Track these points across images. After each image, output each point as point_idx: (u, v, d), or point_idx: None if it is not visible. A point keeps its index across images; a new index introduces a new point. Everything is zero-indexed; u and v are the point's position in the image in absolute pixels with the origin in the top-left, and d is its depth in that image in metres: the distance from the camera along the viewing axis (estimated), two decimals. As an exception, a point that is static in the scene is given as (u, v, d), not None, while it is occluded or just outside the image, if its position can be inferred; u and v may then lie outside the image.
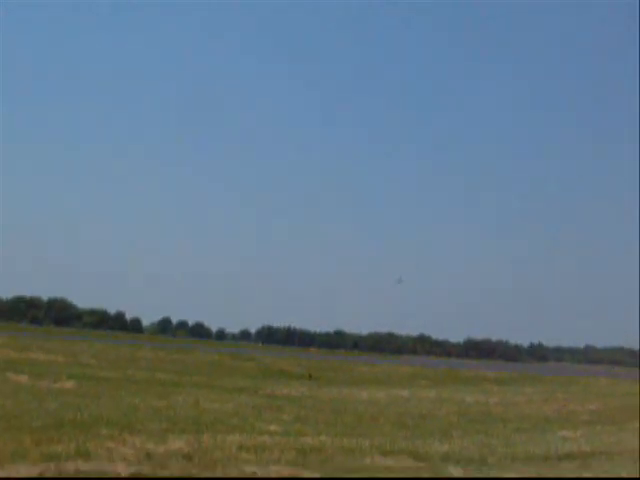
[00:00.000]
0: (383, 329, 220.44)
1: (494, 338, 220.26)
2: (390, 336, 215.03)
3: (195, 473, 10.36)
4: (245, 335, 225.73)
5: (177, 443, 12.21)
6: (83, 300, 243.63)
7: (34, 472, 9.57)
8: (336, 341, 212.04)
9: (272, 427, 15.57)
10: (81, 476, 9.63)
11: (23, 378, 22.28)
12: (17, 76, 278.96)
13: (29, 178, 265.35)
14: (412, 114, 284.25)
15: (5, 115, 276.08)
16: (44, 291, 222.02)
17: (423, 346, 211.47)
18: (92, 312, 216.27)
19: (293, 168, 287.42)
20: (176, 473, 10.28)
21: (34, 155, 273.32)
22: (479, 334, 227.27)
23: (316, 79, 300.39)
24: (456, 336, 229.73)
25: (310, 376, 40.67)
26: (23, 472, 9.52)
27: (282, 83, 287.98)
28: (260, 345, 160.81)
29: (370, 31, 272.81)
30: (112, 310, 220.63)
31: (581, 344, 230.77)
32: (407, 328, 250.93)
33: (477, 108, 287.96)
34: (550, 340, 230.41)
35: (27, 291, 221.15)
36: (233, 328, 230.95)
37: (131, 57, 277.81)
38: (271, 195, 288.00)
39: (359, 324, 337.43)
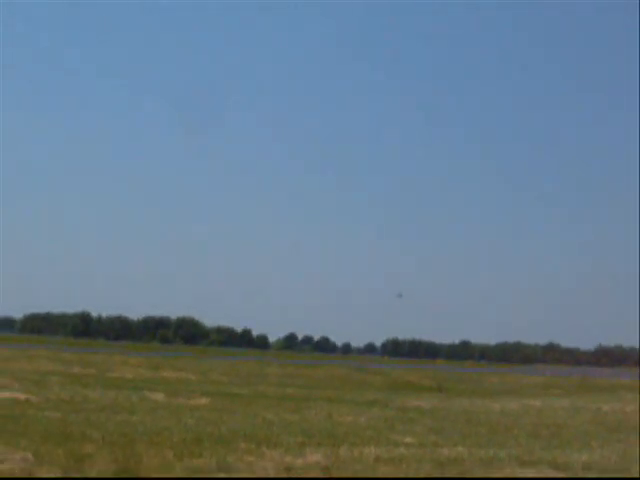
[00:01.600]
0: (510, 338, 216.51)
1: (626, 344, 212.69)
2: (518, 345, 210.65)
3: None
4: (370, 348, 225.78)
5: (315, 456, 12.25)
6: (211, 318, 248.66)
7: (179, 486, 9.79)
8: (462, 352, 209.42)
9: (407, 439, 15.44)
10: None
11: (159, 396, 22.88)
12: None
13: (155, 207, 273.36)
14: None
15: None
16: (173, 311, 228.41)
17: (552, 355, 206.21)
18: (219, 330, 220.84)
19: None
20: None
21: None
22: (611, 341, 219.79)
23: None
24: (586, 343, 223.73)
25: (440, 388, 40.27)
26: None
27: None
28: (386, 358, 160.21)
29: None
30: (239, 328, 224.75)
31: None
32: (535, 337, 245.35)
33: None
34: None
35: (157, 311, 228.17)
36: (358, 342, 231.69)
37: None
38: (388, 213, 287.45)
39: (485, 334, 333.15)
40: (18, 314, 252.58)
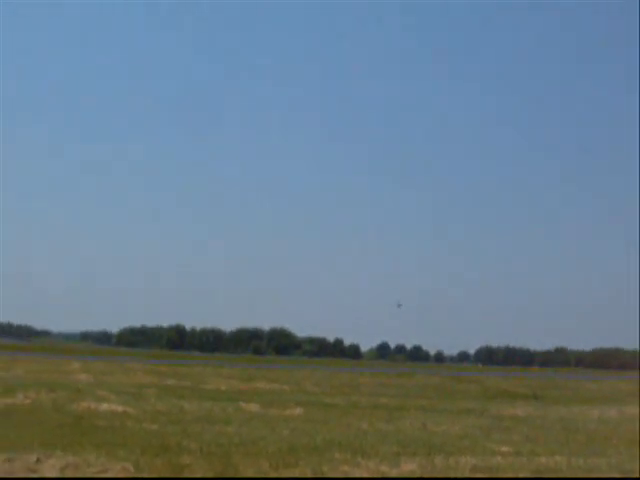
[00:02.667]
0: (607, 344, 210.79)
1: None
2: (616, 351, 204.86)
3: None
4: (464, 357, 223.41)
5: (410, 465, 12.17)
6: (302, 329, 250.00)
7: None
8: (557, 358, 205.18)
9: (503, 448, 15.18)
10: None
11: (254, 407, 23.08)
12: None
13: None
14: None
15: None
16: (265, 322, 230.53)
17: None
18: (311, 340, 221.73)
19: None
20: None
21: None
22: None
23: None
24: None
25: (535, 395, 39.50)
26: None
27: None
28: (480, 366, 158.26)
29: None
30: (331, 338, 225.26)
31: None
32: (633, 342, 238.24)
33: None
34: None
35: (249, 323, 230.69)
36: (451, 350, 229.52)
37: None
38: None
39: (581, 340, 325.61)
40: (114, 328, 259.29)
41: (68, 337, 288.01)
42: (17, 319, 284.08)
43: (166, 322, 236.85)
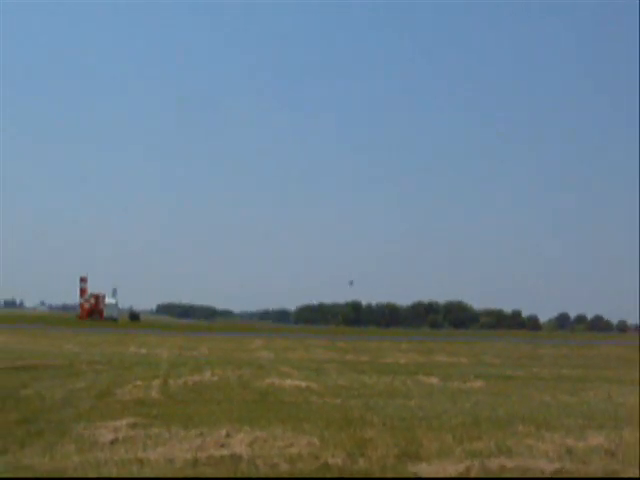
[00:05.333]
0: None
1: None
2: None
3: (618, 470, 9.95)
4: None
5: (597, 439, 11.80)
6: (479, 301, 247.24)
7: (460, 469, 9.83)
8: None
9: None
10: (506, 475, 9.71)
11: (434, 380, 23.06)
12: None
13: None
14: None
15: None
16: (441, 295, 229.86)
17: None
18: (488, 313, 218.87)
19: None
20: (599, 470, 9.96)
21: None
22: None
23: None
24: None
25: None
26: (450, 469, 9.83)
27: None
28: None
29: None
30: (508, 309, 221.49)
31: None
32: None
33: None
34: None
35: (425, 297, 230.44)
36: (635, 319, 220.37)
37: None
38: None
39: None
40: (292, 306, 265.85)
41: (248, 316, 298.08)
42: (200, 300, 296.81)
43: (342, 299, 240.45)
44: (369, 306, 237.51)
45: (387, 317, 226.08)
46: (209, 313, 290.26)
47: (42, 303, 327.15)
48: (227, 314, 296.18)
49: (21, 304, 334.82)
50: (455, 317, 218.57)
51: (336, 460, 10.09)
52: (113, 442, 11.00)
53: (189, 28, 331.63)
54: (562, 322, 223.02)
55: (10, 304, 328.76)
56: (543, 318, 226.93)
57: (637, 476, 9.58)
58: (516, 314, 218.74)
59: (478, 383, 22.25)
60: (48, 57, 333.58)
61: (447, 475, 9.61)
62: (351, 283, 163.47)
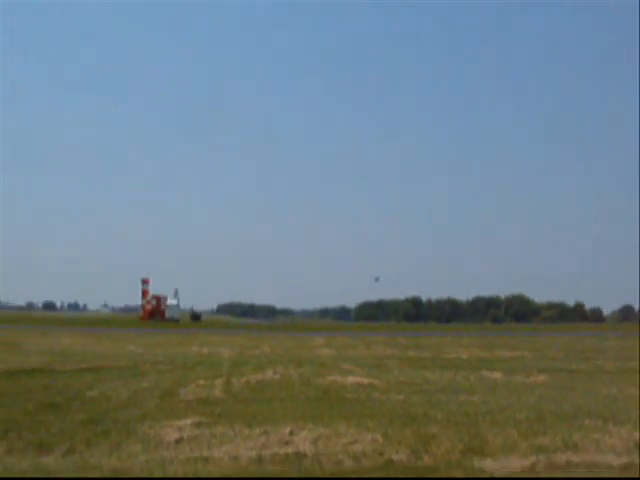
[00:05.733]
0: None
1: None
2: None
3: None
4: None
5: (666, 432, 11.60)
6: (540, 294, 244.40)
7: (526, 464, 9.73)
8: None
9: None
10: (572, 470, 9.58)
11: (497, 375, 22.86)
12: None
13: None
14: None
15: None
16: (502, 289, 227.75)
17: None
18: (550, 306, 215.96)
19: None
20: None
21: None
22: None
23: None
24: None
25: None
26: (515, 464, 9.74)
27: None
28: None
29: None
30: (571, 302, 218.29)
31: None
32: None
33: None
34: None
35: (486, 291, 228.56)
36: None
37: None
38: None
39: None
40: (351, 303, 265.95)
41: (308, 314, 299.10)
42: (260, 300, 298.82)
43: (402, 294, 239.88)
44: (429, 301, 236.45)
45: (448, 312, 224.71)
46: (269, 312, 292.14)
47: (105, 305, 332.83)
48: (287, 312, 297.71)
49: (84, 307, 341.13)
50: (516, 311, 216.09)
51: (400, 456, 10.08)
52: (178, 441, 11.15)
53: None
54: (626, 314, 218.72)
55: (74, 307, 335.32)
56: (607, 310, 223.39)
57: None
58: (579, 306, 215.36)
59: (542, 377, 21.99)
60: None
61: (513, 470, 9.52)
62: (377, 279, 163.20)
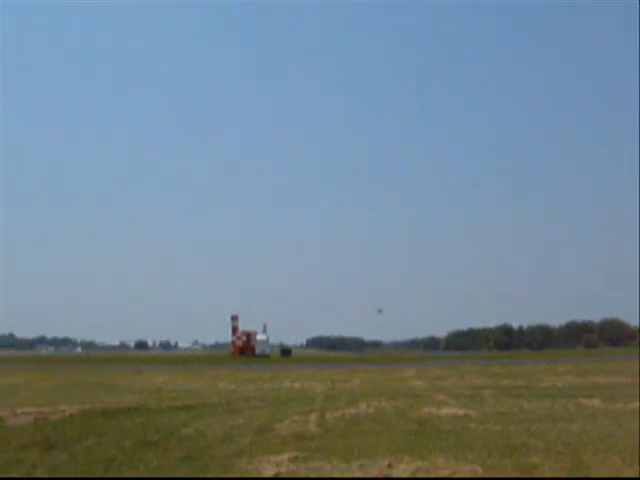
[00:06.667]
0: None
1: None
2: None
3: None
4: None
5: None
6: (636, 318, 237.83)
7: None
8: None
9: None
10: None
11: (595, 402, 22.31)
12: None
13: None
14: None
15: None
16: (595, 314, 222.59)
17: None
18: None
19: None
20: None
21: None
22: None
23: None
24: None
25: None
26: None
27: None
28: None
29: None
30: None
31: None
32: None
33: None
34: None
35: (579, 316, 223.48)
36: None
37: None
38: None
39: None
40: (441, 333, 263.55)
41: (397, 345, 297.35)
42: (348, 332, 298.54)
43: (492, 323, 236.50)
44: (520, 329, 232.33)
45: (540, 339, 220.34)
46: (358, 344, 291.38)
47: (195, 342, 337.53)
48: (376, 344, 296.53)
49: (175, 345, 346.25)
50: (611, 335, 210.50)
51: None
52: (276, 476, 11.20)
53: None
54: None
55: (165, 346, 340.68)
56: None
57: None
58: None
59: (643, 404, 21.32)
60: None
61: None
62: (380, 311, 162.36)
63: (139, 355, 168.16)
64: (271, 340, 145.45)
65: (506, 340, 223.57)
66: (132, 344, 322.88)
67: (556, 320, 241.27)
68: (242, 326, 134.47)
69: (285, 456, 12.81)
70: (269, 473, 11.42)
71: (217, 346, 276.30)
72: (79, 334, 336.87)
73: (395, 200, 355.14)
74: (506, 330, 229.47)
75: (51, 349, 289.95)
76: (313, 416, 19.81)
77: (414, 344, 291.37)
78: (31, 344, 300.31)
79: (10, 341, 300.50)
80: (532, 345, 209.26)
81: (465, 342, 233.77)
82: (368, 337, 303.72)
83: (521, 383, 34.69)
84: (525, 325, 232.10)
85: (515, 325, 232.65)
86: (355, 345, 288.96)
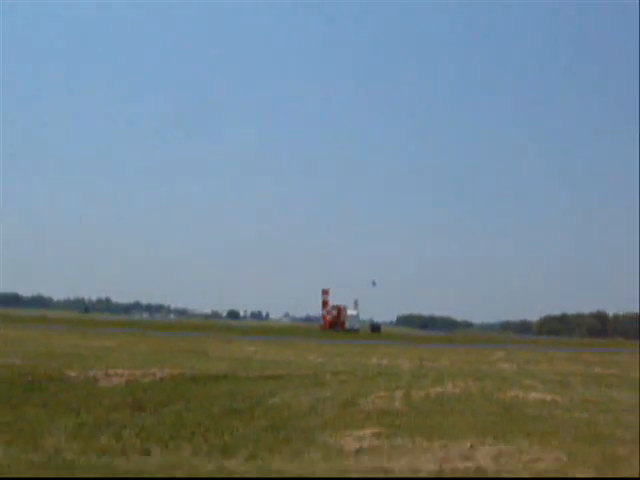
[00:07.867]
0: None
1: None
2: None
3: None
4: None
5: None
6: None
7: None
8: None
9: None
10: None
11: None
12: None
13: None
14: None
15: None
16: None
17: None
18: None
19: None
20: None
21: None
22: None
23: None
24: None
25: None
26: None
27: None
28: None
29: None
30: None
31: None
32: None
33: None
34: None
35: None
36: None
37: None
38: None
39: None
40: (533, 317, 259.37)
41: (488, 327, 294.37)
42: (440, 312, 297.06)
43: (587, 309, 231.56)
44: (616, 316, 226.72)
45: (635, 327, 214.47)
46: (449, 324, 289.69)
47: (286, 315, 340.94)
48: (467, 325, 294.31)
49: (267, 316, 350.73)
50: None
51: (585, 477, 9.76)
52: (358, 451, 11.26)
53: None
54: None
55: (256, 316, 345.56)
56: None
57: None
58: None
59: None
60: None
61: None
62: (374, 283, 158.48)
63: (230, 324, 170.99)
64: (361, 316, 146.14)
65: (600, 327, 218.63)
66: (224, 313, 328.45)
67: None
68: (333, 301, 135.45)
69: (368, 431, 12.88)
70: (351, 447, 11.49)
71: (308, 319, 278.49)
72: (172, 301, 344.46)
73: (492, 185, 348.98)
74: (600, 317, 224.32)
75: (145, 315, 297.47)
76: (398, 393, 19.82)
77: (505, 327, 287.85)
78: (126, 309, 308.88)
79: (106, 305, 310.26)
80: (627, 334, 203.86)
81: (558, 327, 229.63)
82: (459, 317, 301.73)
83: (613, 372, 33.92)
84: (621, 312, 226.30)
85: (610, 312, 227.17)
86: (446, 325, 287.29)
